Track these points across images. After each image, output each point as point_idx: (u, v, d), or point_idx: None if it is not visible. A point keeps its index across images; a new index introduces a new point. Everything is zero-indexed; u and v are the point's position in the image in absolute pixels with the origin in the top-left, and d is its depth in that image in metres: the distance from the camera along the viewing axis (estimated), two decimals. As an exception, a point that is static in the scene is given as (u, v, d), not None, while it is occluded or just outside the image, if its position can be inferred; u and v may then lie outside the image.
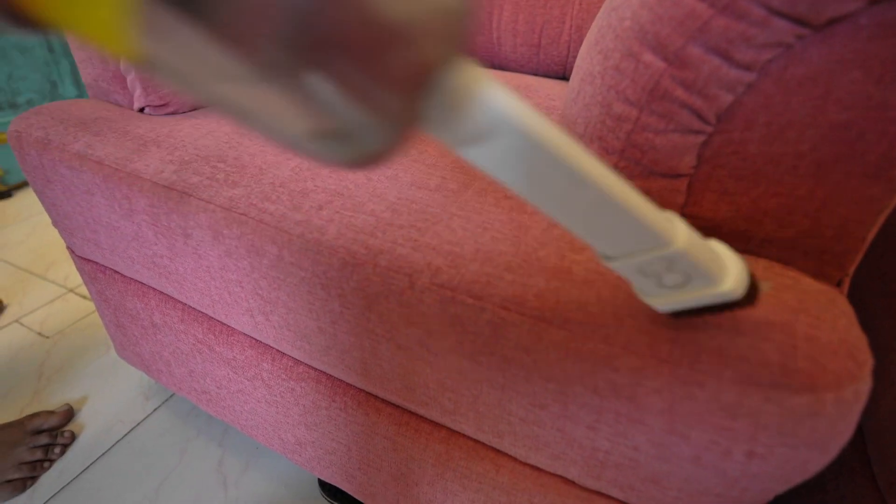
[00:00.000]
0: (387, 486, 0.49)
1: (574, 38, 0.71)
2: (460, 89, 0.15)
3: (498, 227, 0.34)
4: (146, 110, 0.56)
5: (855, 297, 0.47)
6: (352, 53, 0.12)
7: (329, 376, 0.47)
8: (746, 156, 0.26)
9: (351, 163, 0.15)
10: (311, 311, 0.39)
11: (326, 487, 0.65)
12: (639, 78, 0.27)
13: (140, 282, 0.58)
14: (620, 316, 0.27)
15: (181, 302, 0.55)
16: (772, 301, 0.26)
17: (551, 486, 0.37)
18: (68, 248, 0.64)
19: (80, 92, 1.70)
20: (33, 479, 0.67)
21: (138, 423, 0.75)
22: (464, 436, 0.41)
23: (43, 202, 0.58)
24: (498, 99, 0.15)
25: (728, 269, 0.21)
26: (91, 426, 0.75)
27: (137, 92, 0.54)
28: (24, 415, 0.76)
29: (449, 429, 0.42)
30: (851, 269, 0.29)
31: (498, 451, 0.40)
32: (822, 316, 0.26)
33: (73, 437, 0.72)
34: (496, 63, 0.80)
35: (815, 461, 0.26)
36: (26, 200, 1.53)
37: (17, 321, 0.98)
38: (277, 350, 0.49)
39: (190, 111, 0.57)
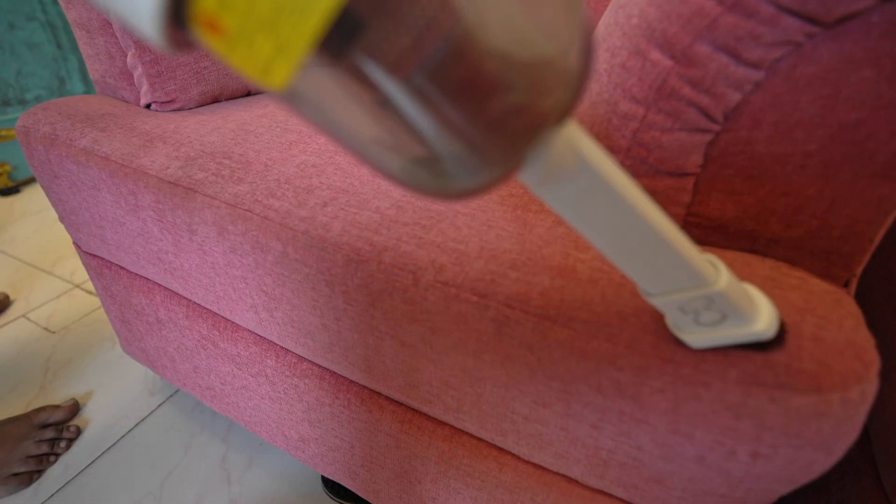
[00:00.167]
0: (389, 484, 0.49)
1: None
2: (565, 144, 0.16)
3: (503, 224, 0.34)
4: (153, 107, 0.56)
5: (862, 298, 0.47)
6: (480, 97, 0.13)
7: (332, 373, 0.47)
8: (754, 155, 0.26)
9: (455, 196, 0.16)
10: (315, 308, 0.39)
11: (329, 484, 0.65)
12: (646, 76, 0.26)
13: (145, 278, 0.58)
14: (625, 315, 0.27)
15: (186, 298, 0.55)
16: (778, 301, 0.26)
17: (554, 484, 0.37)
18: (75, 243, 0.64)
19: (88, 88, 1.71)
20: (39, 472, 0.67)
21: (143, 419, 0.76)
22: (467, 434, 0.41)
23: (50, 198, 0.58)
24: (589, 150, 0.16)
25: (760, 310, 0.22)
26: (96, 421, 0.75)
27: (144, 88, 0.54)
28: (30, 409, 0.76)
29: (452, 426, 0.42)
30: (859, 270, 0.29)
31: (501, 450, 0.40)
32: (829, 316, 0.25)
33: (79, 431, 0.73)
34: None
35: (820, 462, 0.25)
36: (34, 196, 1.54)
37: (23, 316, 0.98)
38: (281, 347, 0.49)
39: (196, 108, 0.58)
